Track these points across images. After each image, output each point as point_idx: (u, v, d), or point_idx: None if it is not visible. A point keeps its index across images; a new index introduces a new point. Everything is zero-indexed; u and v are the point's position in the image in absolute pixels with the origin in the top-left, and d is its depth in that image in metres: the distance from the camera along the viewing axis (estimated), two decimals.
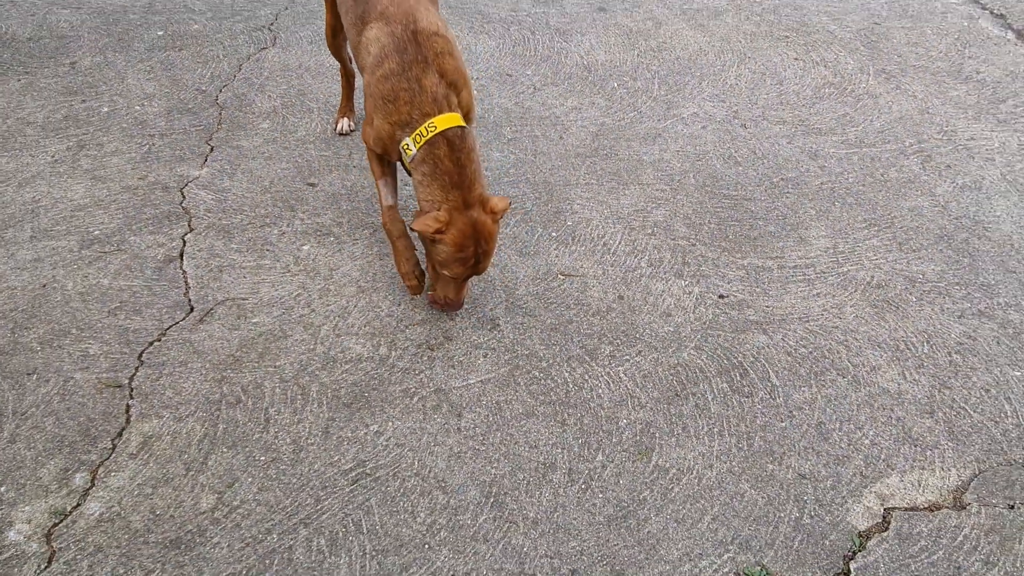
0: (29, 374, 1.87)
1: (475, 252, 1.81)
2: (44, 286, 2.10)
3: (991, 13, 3.58)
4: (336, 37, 2.44)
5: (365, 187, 2.46)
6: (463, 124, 1.82)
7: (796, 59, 3.18)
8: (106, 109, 2.75)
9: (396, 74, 1.80)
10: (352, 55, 2.18)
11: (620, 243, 2.30)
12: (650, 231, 2.34)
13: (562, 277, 2.18)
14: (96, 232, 2.27)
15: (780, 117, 2.85)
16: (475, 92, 2.89)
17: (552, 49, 3.19)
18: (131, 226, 2.29)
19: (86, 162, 2.52)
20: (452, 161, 1.76)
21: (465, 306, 2.06)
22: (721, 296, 2.14)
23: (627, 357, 1.97)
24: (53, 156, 2.54)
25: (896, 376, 1.94)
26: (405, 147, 1.83)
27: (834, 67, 3.14)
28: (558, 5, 3.50)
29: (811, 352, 2.00)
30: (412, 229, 1.85)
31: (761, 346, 2.01)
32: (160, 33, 3.18)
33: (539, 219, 2.37)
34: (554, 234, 2.32)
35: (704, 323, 2.06)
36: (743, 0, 3.60)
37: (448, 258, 1.82)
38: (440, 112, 1.79)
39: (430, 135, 1.77)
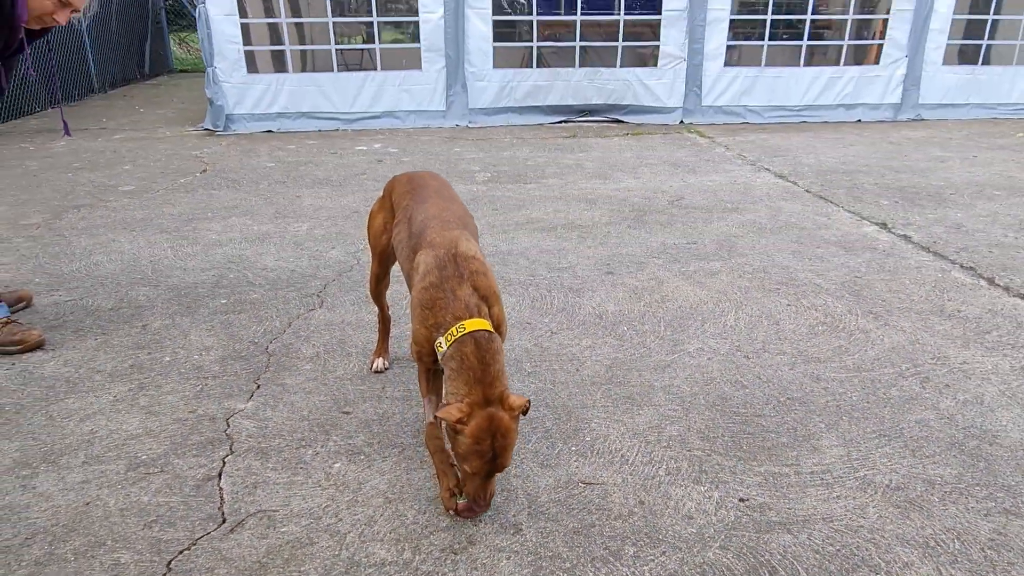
0: None
1: (492, 446, 1.93)
2: (87, 504, 2.20)
3: (960, 266, 3.98)
4: (379, 284, 2.81)
5: (396, 414, 2.64)
6: (490, 330, 2.06)
7: (788, 305, 3.51)
8: (168, 359, 3.07)
9: (435, 285, 2.10)
10: (406, 281, 2.48)
11: (637, 455, 2.38)
12: (665, 444, 2.44)
13: (583, 485, 2.24)
14: (143, 456, 2.42)
15: (780, 349, 3.07)
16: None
17: (566, 303, 3.57)
18: (176, 451, 2.45)
19: (144, 400, 2.76)
20: (477, 359, 1.97)
21: (489, 512, 2.11)
22: (742, 499, 2.17)
23: (652, 557, 1.95)
24: (115, 396, 2.79)
25: (931, 571, 1.89)
26: (438, 345, 2.06)
27: (824, 310, 3.45)
28: (570, 271, 3.98)
29: (839, 550, 1.97)
30: (436, 416, 1.99)
31: (787, 545, 1.99)
32: (223, 301, 3.63)
33: (559, 435, 2.49)
34: (574, 448, 2.42)
35: (727, 524, 2.07)
36: (735, 263, 4.06)
37: (467, 450, 1.93)
38: (471, 317, 2.05)
39: (459, 334, 2.00)
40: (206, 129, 8.11)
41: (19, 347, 3.13)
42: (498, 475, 2.09)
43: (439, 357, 2.09)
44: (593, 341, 3.18)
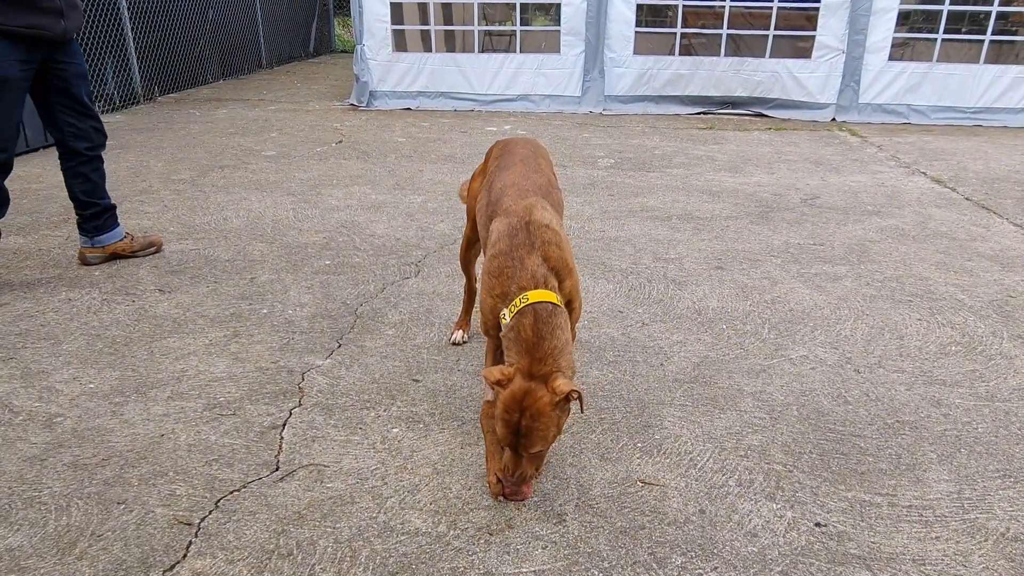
0: (119, 503, 2.00)
1: (518, 422, 1.80)
2: (162, 436, 2.31)
3: None
4: (469, 250, 2.75)
5: (464, 387, 2.58)
6: (556, 303, 1.93)
7: (919, 319, 3.11)
8: (265, 311, 3.19)
9: (504, 253, 2.00)
10: (483, 249, 2.42)
11: (708, 460, 2.18)
12: (743, 453, 2.21)
13: (640, 484, 2.08)
14: (221, 399, 2.52)
15: (899, 366, 2.72)
16: (584, 320, 3.06)
17: (665, 295, 3.36)
18: (251, 397, 2.52)
19: (234, 347, 2.88)
20: (533, 331, 1.86)
21: (533, 498, 2.00)
22: (818, 524, 1.92)
23: (700, 571, 1.77)
24: (210, 340, 2.93)
25: None
26: (502, 317, 1.96)
27: (962, 329, 3.02)
28: (676, 262, 3.75)
29: None
30: (481, 375, 1.90)
31: None
32: (327, 262, 3.74)
33: (626, 430, 2.33)
34: (639, 444, 2.26)
35: (795, 549, 1.83)
36: (864, 269, 3.66)
37: (497, 415, 1.83)
38: (536, 288, 1.93)
39: (521, 305, 1.90)
40: (351, 104, 8.47)
41: (154, 248, 3.78)
42: (541, 464, 1.97)
43: (502, 329, 2.00)
44: (685, 336, 2.96)
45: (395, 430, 2.34)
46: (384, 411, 2.44)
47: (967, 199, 4.89)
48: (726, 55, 7.82)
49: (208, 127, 7.21)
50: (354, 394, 2.54)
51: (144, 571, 1.77)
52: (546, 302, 1.91)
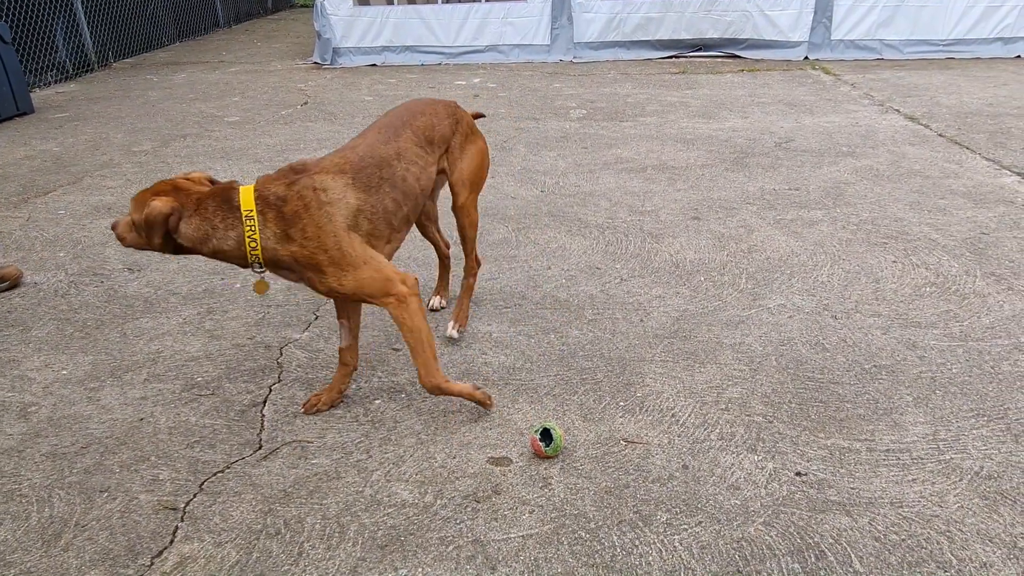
0: (101, 491, 1.98)
1: None
2: (141, 420, 2.28)
3: None
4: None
5: (443, 354, 2.57)
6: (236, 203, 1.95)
7: (894, 261, 3.13)
8: (238, 285, 3.14)
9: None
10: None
11: (690, 416, 2.20)
12: (724, 406, 2.23)
13: (624, 443, 2.09)
14: (199, 379, 2.49)
15: (875, 311, 2.75)
16: (562, 278, 3.05)
17: (643, 249, 3.35)
18: (230, 375, 2.50)
19: (209, 324, 2.83)
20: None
21: (518, 463, 2.01)
22: (799, 474, 1.95)
23: (685, 527, 1.79)
24: (184, 318, 2.88)
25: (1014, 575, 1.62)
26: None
27: (936, 269, 3.05)
28: (653, 215, 3.73)
29: (904, 540, 1.73)
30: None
31: (843, 528, 1.77)
32: None
33: (608, 389, 2.34)
34: (621, 403, 2.27)
35: (776, 499, 1.87)
36: (840, 212, 3.67)
37: None
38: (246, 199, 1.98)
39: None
40: (314, 63, 8.24)
41: (5, 284, 3.12)
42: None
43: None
44: (664, 291, 2.96)
45: (377, 401, 2.33)
46: (365, 383, 2.43)
47: (940, 135, 4.89)
48: None
49: (167, 93, 6.99)
50: (334, 367, 2.52)
51: (132, 558, 1.76)
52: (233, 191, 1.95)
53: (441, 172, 2.44)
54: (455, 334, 2.63)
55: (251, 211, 1.93)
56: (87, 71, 8.15)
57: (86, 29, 8.13)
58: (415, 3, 8.14)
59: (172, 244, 1.98)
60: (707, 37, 7.81)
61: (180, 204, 1.94)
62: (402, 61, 8.09)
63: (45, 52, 7.48)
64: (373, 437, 2.16)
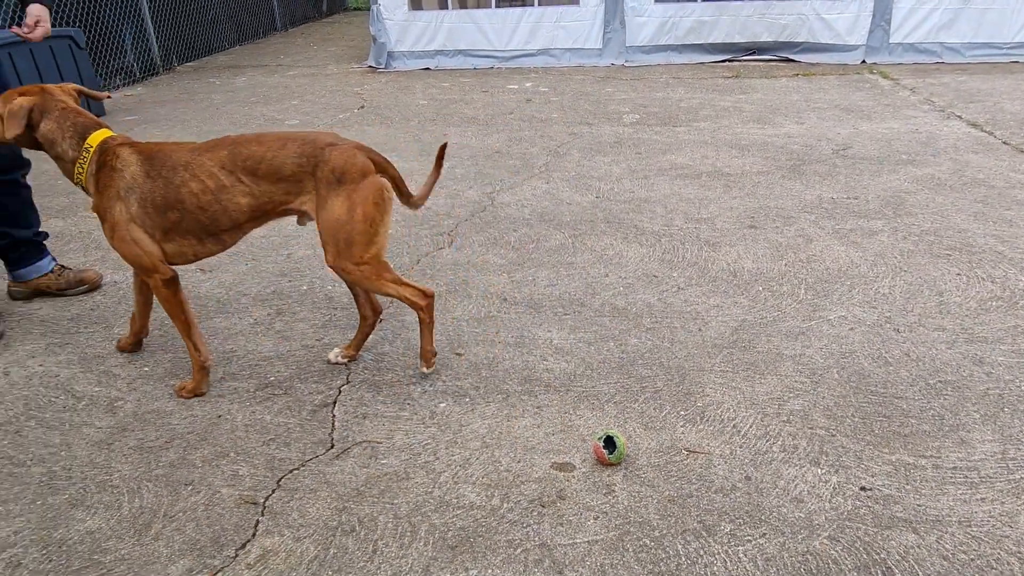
0: (186, 485, 2.09)
1: None
2: (219, 417, 2.40)
3: None
4: None
5: (506, 359, 2.63)
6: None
7: (959, 274, 3.08)
8: (305, 287, 3.25)
9: None
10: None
11: (751, 427, 2.22)
12: (785, 418, 2.25)
13: (686, 452, 2.13)
14: (271, 378, 2.60)
15: (939, 324, 2.72)
16: (619, 286, 3.09)
17: (700, 257, 3.36)
18: (300, 375, 2.60)
19: (279, 325, 2.95)
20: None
21: (581, 468, 2.06)
22: (863, 488, 1.96)
23: (749, 538, 1.82)
24: (255, 319, 3.00)
25: None
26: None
27: (1003, 283, 3.00)
28: (709, 223, 3.74)
29: (973, 560, 1.73)
30: None
31: (910, 546, 1.78)
32: None
33: (668, 398, 2.37)
34: (682, 412, 2.30)
35: (841, 514, 1.88)
36: (901, 223, 3.62)
37: None
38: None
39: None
40: (369, 66, 8.40)
41: (85, 286, 3.23)
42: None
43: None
44: (722, 300, 2.98)
45: (442, 404, 2.41)
46: (430, 386, 2.51)
47: (1005, 143, 4.78)
48: None
49: (229, 96, 7.21)
50: (399, 369, 2.61)
51: (217, 550, 1.86)
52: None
53: (303, 214, 2.41)
54: (333, 358, 2.65)
55: (91, 147, 2.34)
56: (153, 74, 8.45)
57: (152, 34, 8.43)
58: (467, 7, 8.24)
59: (29, 137, 2.38)
60: (761, 40, 7.73)
61: (44, 103, 2.35)
62: (455, 65, 8.20)
63: (114, 56, 7.79)
64: (440, 440, 2.24)
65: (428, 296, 2.45)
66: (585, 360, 2.61)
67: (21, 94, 2.35)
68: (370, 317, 2.62)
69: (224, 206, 2.30)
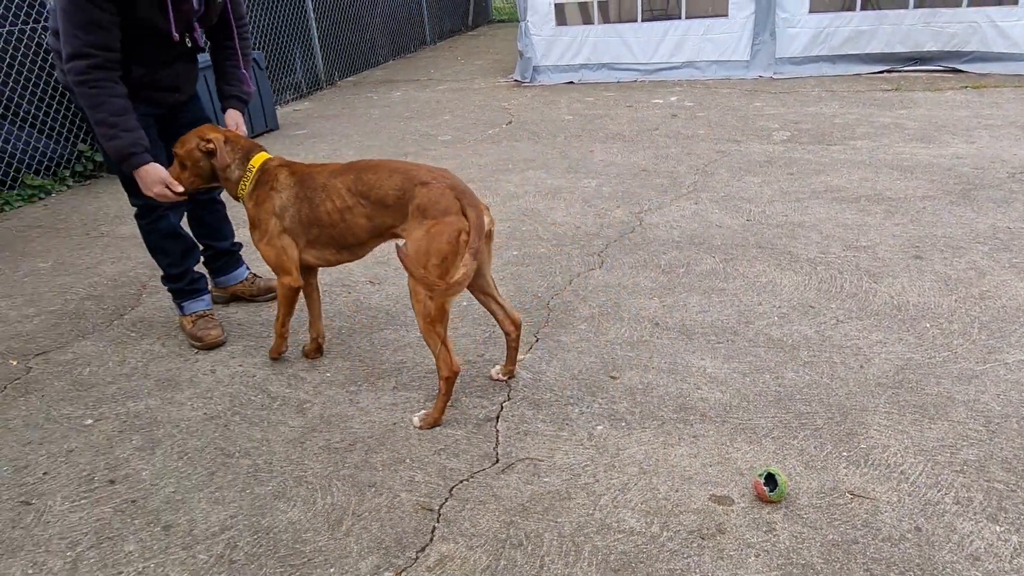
0: (370, 487, 2.32)
1: None
2: (394, 424, 2.63)
3: None
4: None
5: (660, 385, 2.70)
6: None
7: None
8: (465, 303, 3.46)
9: None
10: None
11: (921, 475, 2.17)
12: (958, 468, 2.18)
13: (850, 496, 2.11)
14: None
15: None
16: (773, 315, 3.07)
17: (860, 288, 3.27)
18: (464, 389, 2.79)
19: None
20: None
21: (740, 504, 2.10)
22: None
23: None
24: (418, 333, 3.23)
25: None
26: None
27: None
28: (870, 251, 3.61)
29: None
30: None
31: None
32: (515, 253, 3.96)
33: (829, 437, 2.36)
34: (844, 453, 2.28)
35: None
36: None
37: None
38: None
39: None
40: (515, 80, 8.66)
41: (200, 343, 3.23)
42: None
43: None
44: (885, 336, 2.89)
45: (599, 427, 2.51)
46: (587, 408, 2.62)
47: None
48: (914, 7, 7.18)
49: (386, 111, 7.67)
50: (557, 389, 2.74)
51: (400, 550, 2.06)
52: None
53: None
54: (495, 374, 2.84)
55: (253, 168, 2.80)
56: (317, 88, 9.14)
57: (319, 51, 9.12)
58: (611, 22, 8.31)
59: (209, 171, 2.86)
60: (925, 50, 7.29)
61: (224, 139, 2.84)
62: (598, 79, 8.30)
63: (285, 73, 8.50)
64: (598, 462, 2.34)
65: (454, 371, 2.52)
66: (740, 391, 2.63)
67: (201, 137, 2.84)
68: (512, 332, 2.76)
69: (348, 224, 2.67)
